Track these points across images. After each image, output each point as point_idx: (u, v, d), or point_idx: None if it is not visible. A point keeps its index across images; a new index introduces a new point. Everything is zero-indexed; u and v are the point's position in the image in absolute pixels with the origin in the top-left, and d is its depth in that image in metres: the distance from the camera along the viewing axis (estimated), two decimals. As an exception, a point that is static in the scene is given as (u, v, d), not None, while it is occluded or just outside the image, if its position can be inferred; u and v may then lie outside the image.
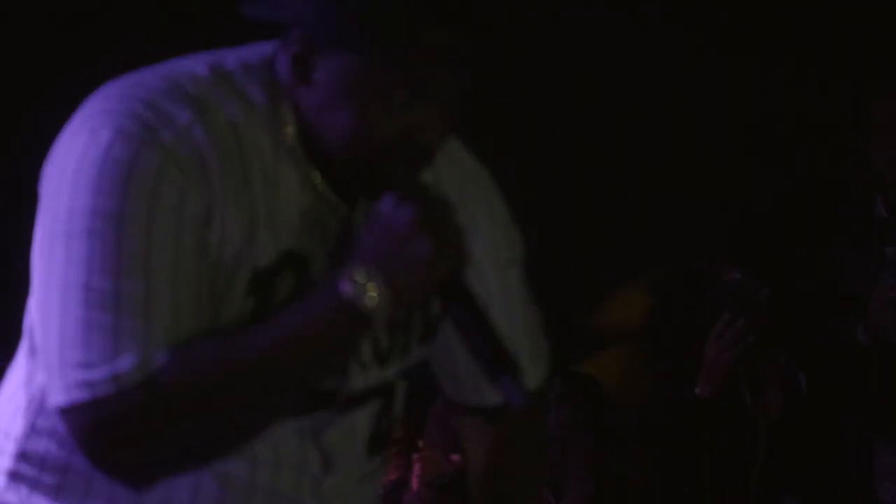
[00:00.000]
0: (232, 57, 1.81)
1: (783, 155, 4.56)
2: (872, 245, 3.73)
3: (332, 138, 1.76)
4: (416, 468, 3.96)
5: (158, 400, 1.69)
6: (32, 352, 1.83)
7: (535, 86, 4.51)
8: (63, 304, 1.70)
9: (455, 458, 3.84)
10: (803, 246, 4.10)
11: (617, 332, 4.84)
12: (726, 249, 4.38)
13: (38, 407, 1.83)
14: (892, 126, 3.64)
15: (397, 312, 1.75)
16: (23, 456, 1.83)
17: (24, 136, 3.16)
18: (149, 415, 1.69)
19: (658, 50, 4.55)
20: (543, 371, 2.09)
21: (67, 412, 1.71)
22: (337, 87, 1.73)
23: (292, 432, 1.83)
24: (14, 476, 1.84)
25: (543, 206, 4.29)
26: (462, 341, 1.79)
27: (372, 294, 1.71)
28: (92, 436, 1.70)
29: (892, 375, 3.74)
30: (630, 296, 4.87)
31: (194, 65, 1.79)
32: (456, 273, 1.76)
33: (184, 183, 1.71)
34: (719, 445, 4.02)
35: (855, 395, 3.85)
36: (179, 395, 1.70)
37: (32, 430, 1.84)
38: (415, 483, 3.95)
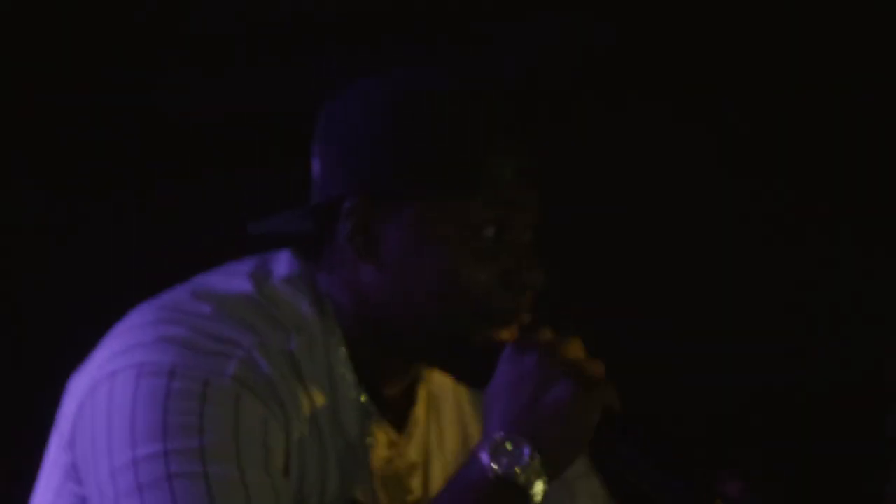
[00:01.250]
0: (269, 269, 1.67)
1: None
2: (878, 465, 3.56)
3: (421, 313, 1.60)
4: None
5: None
6: None
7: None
8: None
9: None
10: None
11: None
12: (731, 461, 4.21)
13: None
14: None
15: (556, 477, 1.55)
16: None
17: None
18: None
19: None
20: None
21: None
22: (415, 244, 1.59)
23: None
24: None
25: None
26: (648, 490, 1.56)
27: (523, 460, 1.51)
28: None
29: None
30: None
31: (234, 282, 1.65)
32: (610, 412, 1.56)
33: (264, 412, 1.55)
34: None
35: None
36: None
37: None
38: None
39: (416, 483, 1.72)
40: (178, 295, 1.63)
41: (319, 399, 1.62)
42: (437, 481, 1.72)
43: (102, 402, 1.55)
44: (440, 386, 1.77)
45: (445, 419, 1.77)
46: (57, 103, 3.66)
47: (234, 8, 3.73)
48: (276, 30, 3.75)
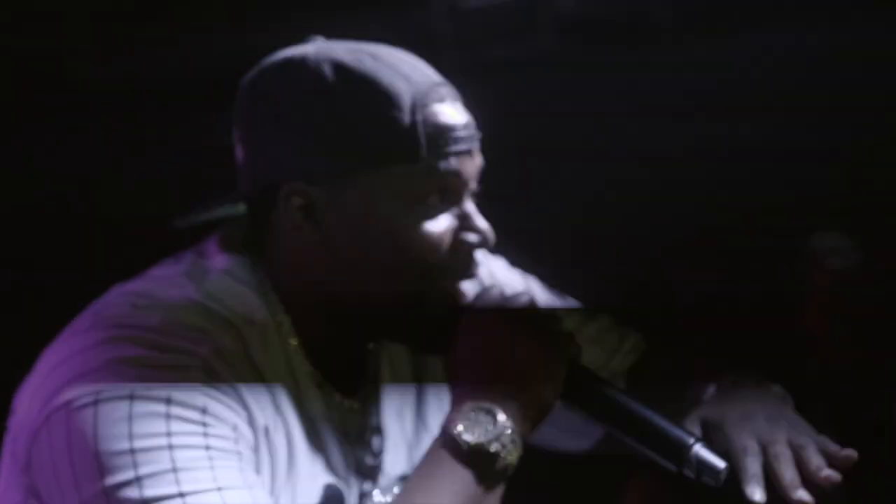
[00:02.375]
0: (205, 265, 1.63)
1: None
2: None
3: (375, 286, 1.59)
4: None
5: None
6: None
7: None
8: None
9: None
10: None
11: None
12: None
13: None
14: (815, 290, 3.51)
15: (528, 438, 1.53)
16: None
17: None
18: None
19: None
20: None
21: None
22: (361, 221, 1.58)
23: None
24: None
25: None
26: (621, 437, 1.55)
27: (496, 428, 1.50)
28: None
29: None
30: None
31: (174, 286, 1.60)
32: (575, 363, 1.56)
33: (231, 417, 1.53)
34: None
35: None
36: None
37: None
38: None
39: (377, 445, 1.72)
40: (118, 307, 1.57)
41: (279, 388, 1.60)
42: (399, 444, 1.75)
43: (61, 433, 1.48)
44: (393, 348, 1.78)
45: (402, 377, 1.78)
46: (57, 103, 3.69)
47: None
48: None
